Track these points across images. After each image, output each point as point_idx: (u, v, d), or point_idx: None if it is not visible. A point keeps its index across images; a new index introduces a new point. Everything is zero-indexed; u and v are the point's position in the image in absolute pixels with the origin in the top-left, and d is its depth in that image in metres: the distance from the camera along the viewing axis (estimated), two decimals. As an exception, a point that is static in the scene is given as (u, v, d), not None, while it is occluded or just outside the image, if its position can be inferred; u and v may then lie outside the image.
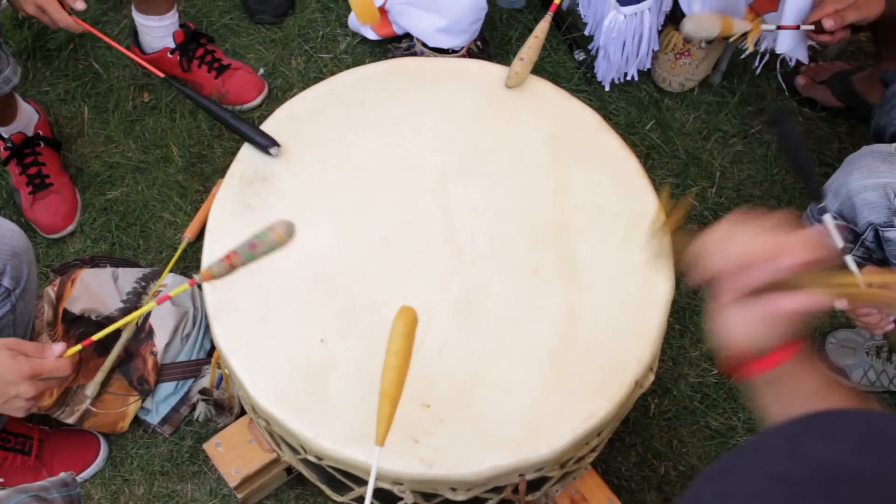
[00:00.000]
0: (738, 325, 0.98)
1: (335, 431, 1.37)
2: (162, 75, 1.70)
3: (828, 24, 1.81)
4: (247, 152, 1.62)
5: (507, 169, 1.61)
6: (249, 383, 1.42)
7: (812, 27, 1.85)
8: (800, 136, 1.51)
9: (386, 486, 1.40)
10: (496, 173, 1.61)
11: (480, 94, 1.69)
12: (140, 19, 2.24)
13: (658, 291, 1.49)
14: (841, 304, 1.52)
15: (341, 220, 1.55)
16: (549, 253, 1.53)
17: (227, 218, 1.57)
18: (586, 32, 2.33)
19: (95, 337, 1.29)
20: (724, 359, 1.07)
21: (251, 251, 1.27)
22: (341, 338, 1.45)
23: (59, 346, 1.28)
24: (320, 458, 1.42)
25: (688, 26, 1.81)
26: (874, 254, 1.74)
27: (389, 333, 1.25)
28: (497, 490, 1.43)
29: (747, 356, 1.01)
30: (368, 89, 1.69)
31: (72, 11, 1.72)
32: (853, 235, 1.75)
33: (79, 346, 1.29)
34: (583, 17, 2.32)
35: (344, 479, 1.46)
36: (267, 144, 1.58)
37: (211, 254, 1.53)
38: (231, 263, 1.28)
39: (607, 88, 2.35)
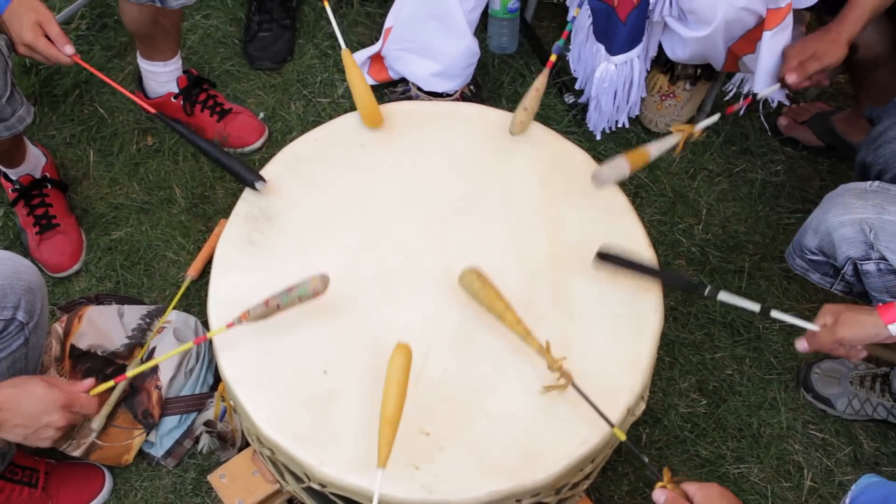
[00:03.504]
0: None
1: (338, 459, 1.42)
2: (153, 111, 1.76)
3: (791, 79, 1.92)
4: (251, 192, 1.68)
5: (501, 207, 1.68)
6: (255, 413, 1.47)
7: (778, 86, 1.96)
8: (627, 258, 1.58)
9: (387, 512, 1.44)
10: (491, 211, 1.67)
11: (475, 135, 1.76)
12: (145, 65, 2.32)
13: (648, 322, 1.56)
14: (801, 347, 1.60)
15: (343, 257, 1.61)
16: (542, 286, 1.59)
17: (232, 254, 1.62)
18: (577, 86, 2.41)
19: (130, 373, 1.36)
20: None
21: (287, 294, 1.40)
22: (343, 369, 1.51)
23: (88, 382, 1.35)
24: (324, 486, 1.46)
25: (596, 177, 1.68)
26: (855, 287, 1.81)
27: (388, 366, 1.37)
28: (494, 515, 1.48)
29: None
30: (368, 131, 1.76)
31: None
32: (833, 270, 1.82)
33: (110, 383, 1.36)
34: (573, 71, 2.41)
35: (346, 506, 1.51)
36: (252, 179, 1.64)
37: (217, 289, 1.58)
38: (268, 305, 1.38)
39: (598, 138, 2.43)
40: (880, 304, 1.59)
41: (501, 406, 1.47)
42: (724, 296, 1.52)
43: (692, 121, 2.50)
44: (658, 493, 1.34)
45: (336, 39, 2.57)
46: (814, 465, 2.02)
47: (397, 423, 1.33)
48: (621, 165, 1.65)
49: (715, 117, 1.83)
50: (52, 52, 1.78)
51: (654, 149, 1.69)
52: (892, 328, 1.54)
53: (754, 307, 1.52)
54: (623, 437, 1.41)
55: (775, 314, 1.53)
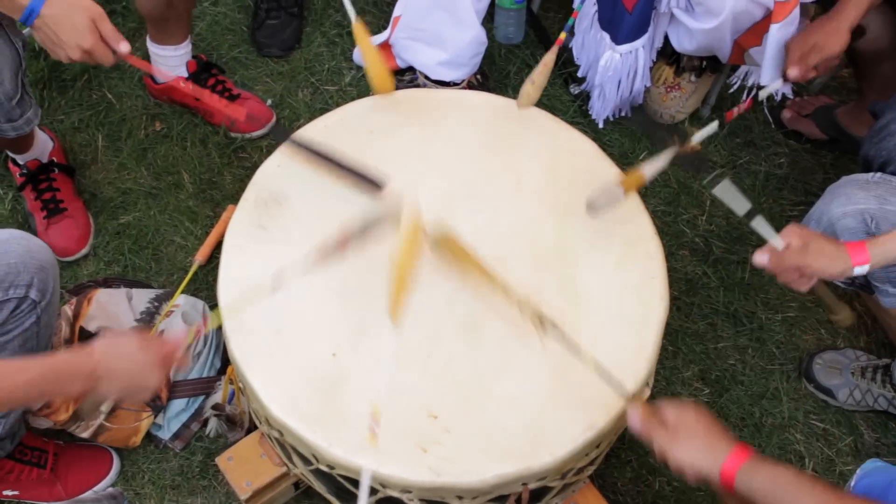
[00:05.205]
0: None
1: (346, 441, 1.44)
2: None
3: (793, 74, 1.93)
4: (261, 176, 1.70)
5: (509, 194, 1.70)
6: (264, 395, 1.49)
7: (780, 82, 1.97)
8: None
9: (395, 493, 1.46)
10: (499, 198, 1.69)
11: (483, 123, 1.78)
12: (155, 49, 2.32)
13: (653, 309, 1.57)
14: (760, 261, 1.58)
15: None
16: (549, 274, 1.61)
17: (242, 239, 1.64)
18: (580, 74, 2.43)
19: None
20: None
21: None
22: (352, 352, 1.52)
23: (179, 338, 1.43)
24: (332, 467, 1.48)
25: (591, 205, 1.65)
26: (857, 279, 1.82)
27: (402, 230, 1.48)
28: (501, 499, 1.50)
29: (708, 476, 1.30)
30: (377, 118, 1.78)
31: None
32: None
33: (193, 331, 1.46)
34: (576, 59, 2.42)
35: (353, 488, 1.52)
36: (377, 181, 1.61)
37: (227, 273, 1.59)
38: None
39: (601, 126, 2.45)
40: (846, 241, 1.59)
41: (509, 390, 1.49)
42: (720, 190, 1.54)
43: (696, 113, 2.52)
44: (633, 417, 1.40)
45: (344, 28, 2.59)
46: (815, 455, 2.04)
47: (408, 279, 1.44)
48: (615, 192, 1.63)
49: (712, 127, 1.79)
50: (109, 56, 1.65)
51: (649, 169, 1.66)
52: (858, 269, 1.54)
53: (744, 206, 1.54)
54: None
55: (755, 223, 1.55)
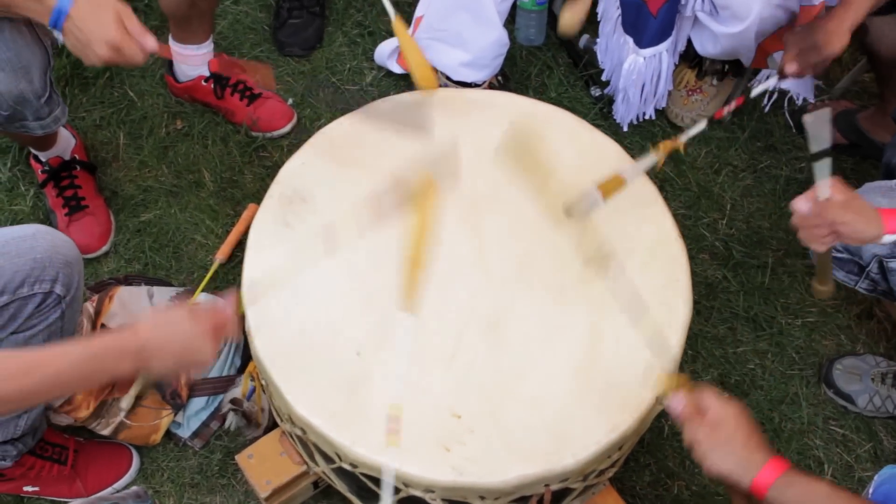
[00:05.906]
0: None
1: (370, 439, 1.44)
2: None
3: (790, 69, 1.89)
4: (286, 174, 1.70)
5: (534, 195, 1.69)
6: (288, 393, 1.49)
7: (776, 79, 1.94)
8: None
9: (417, 493, 1.46)
10: (523, 199, 1.68)
11: (508, 123, 1.78)
12: (177, 48, 2.33)
13: (677, 313, 1.57)
14: (803, 207, 1.49)
15: (376, 240, 1.62)
16: (574, 274, 1.61)
17: (266, 237, 1.64)
18: (603, 77, 2.42)
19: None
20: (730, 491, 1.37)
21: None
22: (376, 351, 1.52)
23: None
24: (355, 466, 1.48)
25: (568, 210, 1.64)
26: (879, 285, 1.81)
27: (416, 207, 1.38)
28: (523, 500, 1.50)
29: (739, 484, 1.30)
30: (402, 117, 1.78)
31: None
32: (858, 268, 1.82)
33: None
34: (600, 62, 2.41)
35: (375, 487, 1.52)
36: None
37: (251, 269, 1.60)
38: None
39: (625, 129, 2.44)
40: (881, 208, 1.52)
41: (532, 391, 1.49)
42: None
43: (717, 117, 2.51)
44: (675, 402, 1.34)
45: (366, 28, 2.59)
46: (834, 461, 2.03)
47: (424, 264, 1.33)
48: (593, 195, 1.61)
49: (701, 125, 1.81)
50: (137, 52, 1.59)
51: (631, 171, 1.66)
52: (887, 237, 1.49)
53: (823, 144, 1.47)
54: None
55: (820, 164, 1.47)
